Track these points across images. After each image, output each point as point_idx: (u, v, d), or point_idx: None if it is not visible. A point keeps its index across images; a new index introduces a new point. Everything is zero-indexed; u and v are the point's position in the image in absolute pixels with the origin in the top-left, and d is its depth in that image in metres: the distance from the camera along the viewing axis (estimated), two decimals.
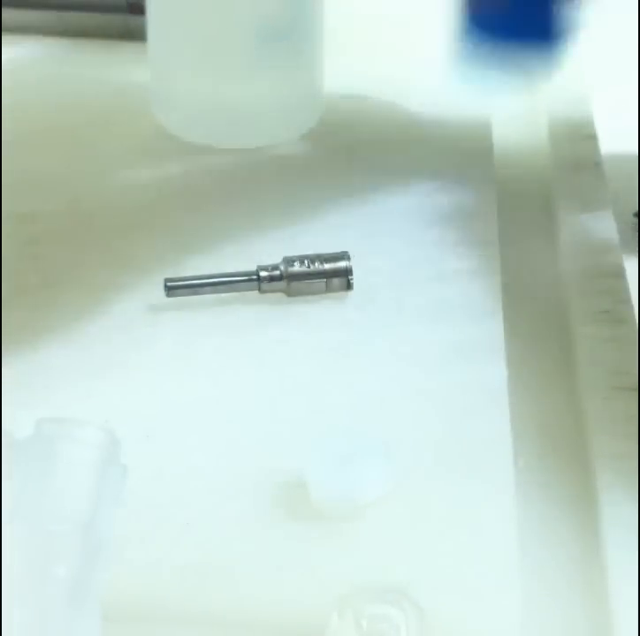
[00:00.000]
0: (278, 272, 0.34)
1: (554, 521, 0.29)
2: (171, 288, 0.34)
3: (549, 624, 0.26)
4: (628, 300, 0.34)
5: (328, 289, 0.35)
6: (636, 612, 0.25)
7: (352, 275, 0.34)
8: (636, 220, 0.40)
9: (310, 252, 0.35)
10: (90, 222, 0.38)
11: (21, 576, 0.24)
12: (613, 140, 0.43)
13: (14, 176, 0.39)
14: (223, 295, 0.34)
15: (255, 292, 0.34)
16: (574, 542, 0.28)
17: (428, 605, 0.25)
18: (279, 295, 0.34)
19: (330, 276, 0.34)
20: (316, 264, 0.34)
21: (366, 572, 0.26)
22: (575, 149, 0.43)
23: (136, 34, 0.46)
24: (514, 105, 0.45)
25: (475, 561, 0.27)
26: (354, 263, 0.35)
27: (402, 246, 0.37)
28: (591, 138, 0.43)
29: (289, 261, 0.34)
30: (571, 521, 0.29)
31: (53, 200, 0.39)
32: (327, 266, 0.34)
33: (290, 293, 0.34)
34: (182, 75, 0.42)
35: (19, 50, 0.46)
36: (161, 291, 0.34)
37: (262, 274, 0.34)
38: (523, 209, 0.41)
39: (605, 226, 0.38)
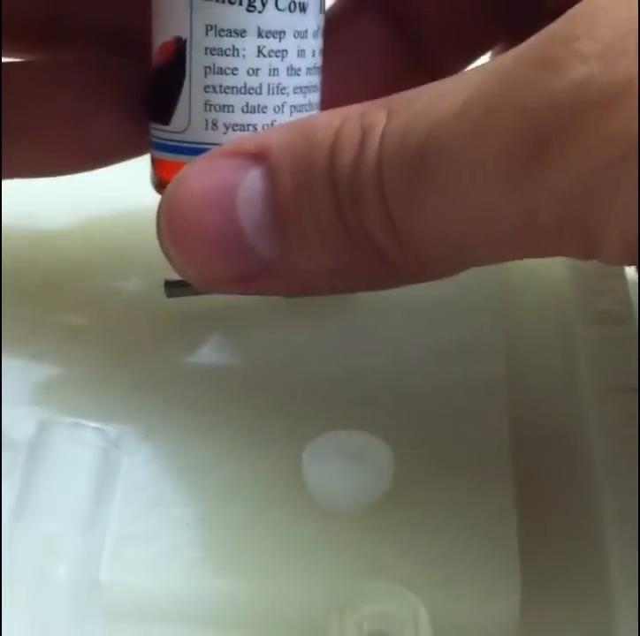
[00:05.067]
0: None
1: (554, 521, 0.29)
2: (172, 288, 0.34)
3: (549, 623, 0.27)
4: (628, 300, 0.34)
5: None
6: (637, 612, 0.25)
7: None
8: None
9: None
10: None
11: (21, 576, 0.24)
12: None
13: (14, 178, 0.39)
14: (223, 295, 0.34)
15: None
16: (574, 543, 0.28)
17: (429, 605, 0.25)
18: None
19: None
20: None
21: (367, 572, 0.26)
22: None
23: None
24: None
25: (475, 560, 0.27)
26: None
27: None
28: None
29: None
30: (571, 522, 0.29)
31: (53, 201, 0.39)
32: None
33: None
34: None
35: None
36: (161, 291, 0.34)
37: None
38: None
39: None
